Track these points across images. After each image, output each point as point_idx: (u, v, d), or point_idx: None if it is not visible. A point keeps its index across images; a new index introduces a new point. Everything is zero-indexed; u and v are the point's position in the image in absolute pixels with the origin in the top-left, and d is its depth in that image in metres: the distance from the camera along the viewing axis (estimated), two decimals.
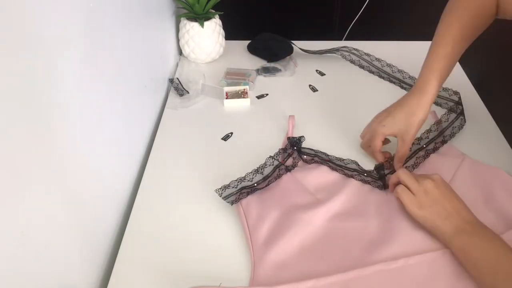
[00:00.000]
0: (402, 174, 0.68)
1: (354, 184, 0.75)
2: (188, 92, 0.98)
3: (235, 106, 0.95)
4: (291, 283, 0.59)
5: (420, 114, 0.72)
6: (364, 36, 1.17)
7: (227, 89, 0.97)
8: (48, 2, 0.48)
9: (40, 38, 0.47)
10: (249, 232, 0.67)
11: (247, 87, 0.97)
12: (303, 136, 0.80)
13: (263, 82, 1.03)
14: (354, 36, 1.34)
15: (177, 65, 1.10)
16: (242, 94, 0.96)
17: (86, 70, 0.59)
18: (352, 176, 0.76)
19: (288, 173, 0.76)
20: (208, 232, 0.69)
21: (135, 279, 0.63)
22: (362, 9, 1.32)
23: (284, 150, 0.79)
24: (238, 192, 0.71)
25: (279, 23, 1.35)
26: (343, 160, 0.77)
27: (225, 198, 0.70)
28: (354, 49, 1.09)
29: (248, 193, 0.72)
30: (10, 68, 0.42)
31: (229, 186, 0.72)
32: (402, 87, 1.00)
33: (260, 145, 0.85)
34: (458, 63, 1.09)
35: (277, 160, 0.76)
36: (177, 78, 1.01)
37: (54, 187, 0.51)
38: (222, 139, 0.87)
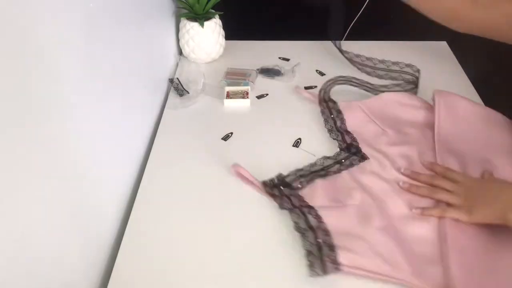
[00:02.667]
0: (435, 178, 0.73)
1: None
2: (188, 92, 0.98)
3: (235, 105, 0.95)
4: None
5: None
6: (364, 36, 1.17)
7: (229, 88, 0.97)
8: (47, 2, 0.48)
9: (39, 38, 0.47)
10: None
11: (248, 87, 0.97)
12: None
13: (263, 82, 1.03)
14: (354, 36, 1.34)
15: (177, 65, 1.10)
16: (243, 95, 0.96)
17: (86, 70, 0.59)
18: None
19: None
20: (208, 232, 0.69)
21: (135, 278, 0.63)
22: (362, 9, 1.32)
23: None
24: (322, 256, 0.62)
25: (279, 23, 1.35)
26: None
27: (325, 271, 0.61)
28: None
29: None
30: (9, 68, 0.42)
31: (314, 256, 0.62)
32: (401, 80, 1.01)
33: (261, 145, 0.85)
34: (457, 63, 1.09)
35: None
36: (177, 78, 1.01)
37: (54, 188, 0.51)
38: (222, 139, 0.87)
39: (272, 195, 0.72)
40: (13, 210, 0.43)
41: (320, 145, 0.83)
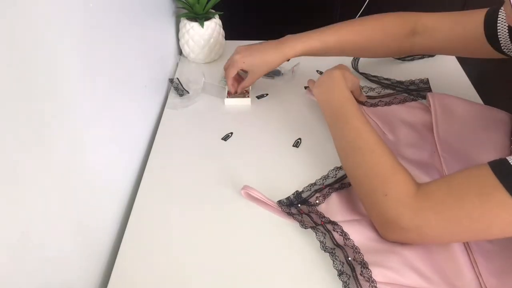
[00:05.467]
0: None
1: None
2: (188, 92, 0.98)
3: (235, 105, 0.95)
4: None
5: (273, 62, 0.87)
6: None
7: None
8: (47, 2, 0.49)
9: (39, 38, 0.47)
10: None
11: (248, 87, 0.97)
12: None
13: (263, 82, 1.03)
14: None
15: (177, 65, 1.10)
16: (244, 94, 0.96)
17: (86, 70, 0.59)
18: None
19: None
20: (207, 232, 0.69)
21: (136, 278, 0.63)
22: (362, 9, 1.32)
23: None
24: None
25: (279, 23, 1.35)
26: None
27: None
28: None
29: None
30: (9, 69, 0.42)
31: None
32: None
33: (261, 145, 0.85)
34: (458, 63, 1.09)
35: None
36: (177, 78, 1.01)
37: (54, 187, 0.51)
38: (222, 139, 0.87)
39: (290, 214, 0.68)
40: (14, 209, 0.43)
41: (320, 145, 0.83)
